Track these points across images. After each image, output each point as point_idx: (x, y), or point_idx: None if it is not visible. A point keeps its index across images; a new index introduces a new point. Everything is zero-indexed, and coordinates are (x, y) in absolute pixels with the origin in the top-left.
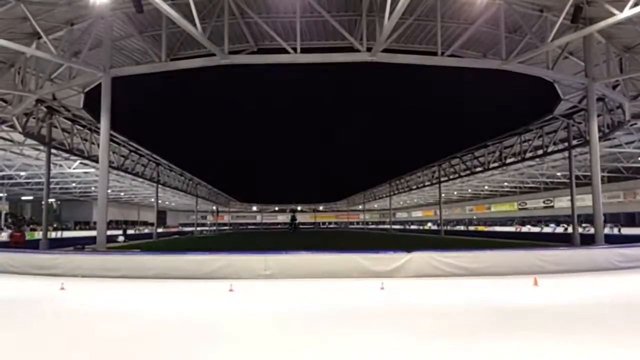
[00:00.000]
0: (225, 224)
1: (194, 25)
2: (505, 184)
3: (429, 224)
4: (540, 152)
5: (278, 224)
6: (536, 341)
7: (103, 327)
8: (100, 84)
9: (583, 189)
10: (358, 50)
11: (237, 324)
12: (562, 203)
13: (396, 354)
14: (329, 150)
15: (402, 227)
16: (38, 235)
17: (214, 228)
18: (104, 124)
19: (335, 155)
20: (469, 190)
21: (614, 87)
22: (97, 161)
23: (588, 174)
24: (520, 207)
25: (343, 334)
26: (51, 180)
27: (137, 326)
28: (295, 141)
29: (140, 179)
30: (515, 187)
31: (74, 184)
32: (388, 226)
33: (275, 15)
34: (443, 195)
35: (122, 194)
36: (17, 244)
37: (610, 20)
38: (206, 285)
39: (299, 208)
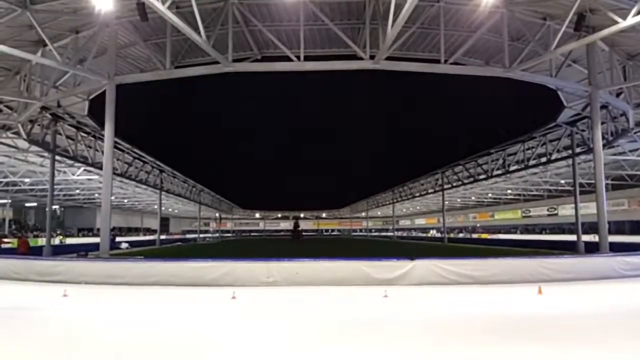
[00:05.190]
0: (228, 231)
1: (199, 33)
2: (509, 191)
3: (433, 231)
4: (543, 159)
5: (281, 230)
6: (540, 351)
7: (104, 334)
8: (104, 91)
9: (587, 196)
10: (361, 58)
11: (240, 333)
12: (566, 211)
13: None
14: (331, 156)
15: (405, 234)
16: (42, 241)
17: (217, 235)
18: (108, 131)
19: (338, 162)
20: (473, 198)
21: (618, 95)
22: (101, 168)
23: (592, 181)
24: (524, 214)
25: (344, 343)
26: (55, 187)
27: (139, 334)
28: (297, 148)
29: (144, 186)
30: (519, 195)
31: (77, 191)
32: (391, 233)
33: (279, 24)
34: (446, 202)
35: (126, 200)
36: (24, 252)
37: (614, 28)
38: (209, 293)
39: (301, 215)
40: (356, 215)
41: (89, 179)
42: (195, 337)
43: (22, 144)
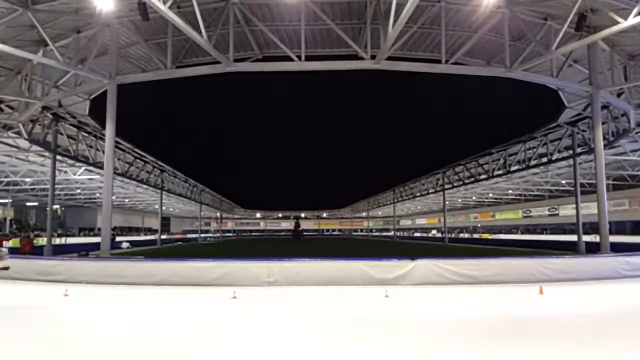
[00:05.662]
0: (229, 231)
1: (200, 33)
2: (510, 191)
3: (434, 231)
4: (544, 159)
5: (282, 230)
6: (541, 352)
7: (105, 334)
8: (105, 91)
9: (588, 196)
10: (362, 58)
11: (240, 332)
12: (567, 211)
13: None
14: (333, 157)
15: (406, 234)
16: (42, 241)
17: (218, 235)
18: (109, 130)
19: (340, 162)
20: (473, 198)
21: (619, 95)
22: (102, 168)
23: (593, 181)
24: (524, 215)
25: (345, 343)
26: (56, 186)
27: (140, 334)
28: (299, 148)
29: (145, 186)
30: (520, 195)
31: (78, 190)
32: (392, 233)
33: (280, 24)
34: (447, 202)
35: (127, 200)
36: (28, 252)
37: (615, 29)
38: (210, 292)
39: (302, 215)
40: (357, 215)
41: (90, 179)
42: (195, 336)
43: (23, 143)
